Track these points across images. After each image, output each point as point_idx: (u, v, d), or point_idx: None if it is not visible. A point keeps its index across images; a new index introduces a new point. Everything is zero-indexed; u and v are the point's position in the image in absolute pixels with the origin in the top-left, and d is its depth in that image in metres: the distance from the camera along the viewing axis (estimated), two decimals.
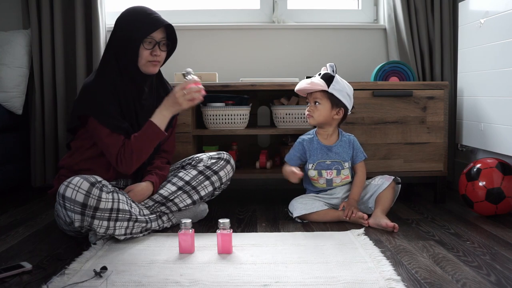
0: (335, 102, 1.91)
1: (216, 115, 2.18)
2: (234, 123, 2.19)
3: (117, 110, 1.71)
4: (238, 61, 2.66)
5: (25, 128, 2.52)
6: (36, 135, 2.47)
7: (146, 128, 1.70)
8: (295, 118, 2.21)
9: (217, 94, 2.27)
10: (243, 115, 2.19)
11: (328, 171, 1.95)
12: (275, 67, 2.66)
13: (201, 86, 1.72)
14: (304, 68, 2.62)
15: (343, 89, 1.91)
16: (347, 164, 1.96)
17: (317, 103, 1.91)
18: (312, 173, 1.97)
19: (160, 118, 1.72)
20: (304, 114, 2.19)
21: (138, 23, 1.69)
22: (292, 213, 1.93)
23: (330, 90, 1.88)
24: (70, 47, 2.48)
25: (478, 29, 2.15)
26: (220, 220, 1.50)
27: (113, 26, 1.76)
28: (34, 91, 2.46)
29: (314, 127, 2.03)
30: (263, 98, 2.50)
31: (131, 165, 1.70)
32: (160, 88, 1.87)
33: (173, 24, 1.76)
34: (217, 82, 2.26)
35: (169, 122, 1.88)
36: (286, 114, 2.21)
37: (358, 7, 2.77)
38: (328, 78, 1.89)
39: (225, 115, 2.18)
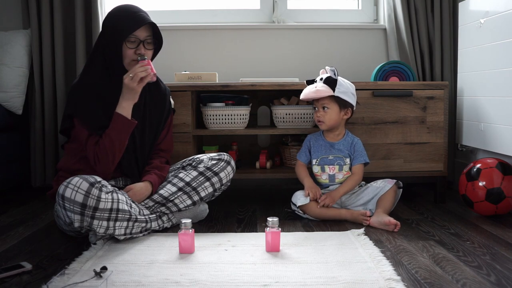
0: (343, 104, 1.94)
1: (216, 115, 2.18)
2: (234, 123, 2.19)
3: (101, 109, 1.71)
4: (238, 61, 2.66)
5: (25, 128, 2.52)
6: (36, 135, 2.46)
7: (113, 121, 1.69)
8: (295, 118, 2.21)
9: (217, 94, 2.27)
10: (243, 115, 2.19)
11: (331, 166, 1.97)
12: (275, 67, 2.66)
13: (147, 66, 1.68)
14: (304, 68, 2.62)
15: (347, 90, 1.94)
16: (348, 160, 1.98)
17: (325, 108, 1.94)
18: (316, 168, 2.00)
19: (121, 110, 1.70)
20: (304, 114, 2.20)
21: (121, 22, 1.69)
22: (295, 204, 1.94)
23: (336, 93, 1.90)
24: (70, 47, 2.48)
25: (478, 29, 2.15)
26: (269, 219, 1.51)
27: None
28: (34, 91, 2.46)
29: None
30: (263, 98, 2.49)
31: (107, 162, 1.70)
32: (152, 86, 1.84)
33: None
34: (217, 82, 2.26)
35: (164, 119, 1.88)
36: (286, 114, 2.21)
37: (358, 7, 2.77)
38: (331, 82, 1.91)
39: (225, 115, 2.18)
